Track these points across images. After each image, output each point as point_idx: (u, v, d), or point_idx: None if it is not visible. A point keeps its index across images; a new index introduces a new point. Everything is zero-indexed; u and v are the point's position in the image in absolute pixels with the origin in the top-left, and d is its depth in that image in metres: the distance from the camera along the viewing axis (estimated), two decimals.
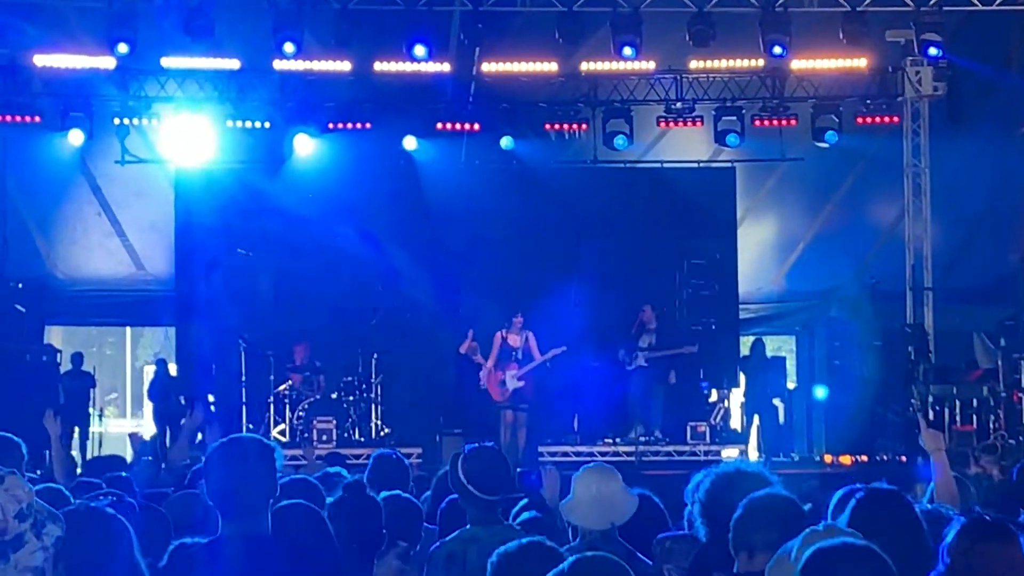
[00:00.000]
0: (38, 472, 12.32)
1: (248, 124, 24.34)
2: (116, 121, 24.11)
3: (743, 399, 24.43)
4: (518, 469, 6.77)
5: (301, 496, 6.38)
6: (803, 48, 23.70)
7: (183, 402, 22.94)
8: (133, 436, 13.11)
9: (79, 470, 12.83)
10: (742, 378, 24.61)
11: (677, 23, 23.13)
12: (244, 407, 23.18)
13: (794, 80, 24.67)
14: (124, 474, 9.43)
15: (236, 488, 5.67)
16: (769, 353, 25.94)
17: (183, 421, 12.45)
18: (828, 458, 22.78)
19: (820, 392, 23.87)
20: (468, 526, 7.19)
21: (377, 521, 6.81)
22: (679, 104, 24.67)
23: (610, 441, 22.75)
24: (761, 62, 24.05)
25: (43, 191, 25.46)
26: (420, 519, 7.49)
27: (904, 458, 22.04)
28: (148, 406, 24.11)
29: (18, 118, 23.68)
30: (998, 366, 23.02)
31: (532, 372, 22.08)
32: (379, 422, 23.00)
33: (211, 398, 22.26)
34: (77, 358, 24.33)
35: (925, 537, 5.66)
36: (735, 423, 24.22)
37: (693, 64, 24.34)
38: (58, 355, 24.14)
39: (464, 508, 7.28)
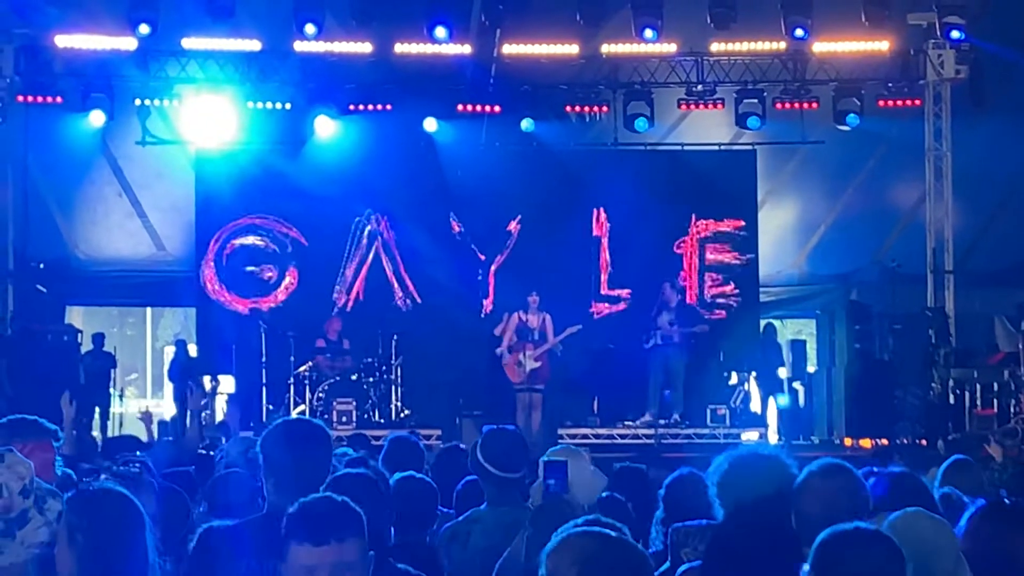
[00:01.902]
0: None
1: (269, 105, 24.38)
2: (137, 102, 24.19)
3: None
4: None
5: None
6: (825, 31, 23.67)
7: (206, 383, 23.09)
8: (146, 416, 13.18)
9: (99, 451, 12.85)
10: None
11: (698, 5, 23.11)
12: (264, 388, 23.23)
13: (815, 63, 24.62)
14: (139, 453, 9.44)
15: (294, 469, 5.71)
16: (790, 336, 25.91)
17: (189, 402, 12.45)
18: (848, 441, 22.76)
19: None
20: (483, 506, 7.22)
21: None
22: (700, 86, 24.64)
23: (630, 423, 22.73)
24: (783, 45, 24.02)
25: (64, 172, 25.51)
26: (436, 500, 7.51)
27: (924, 441, 22.02)
28: (168, 387, 24.15)
29: (40, 99, 23.78)
30: (1019, 349, 22.94)
31: (549, 352, 22.10)
32: (399, 404, 23.03)
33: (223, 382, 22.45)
34: (98, 338, 24.39)
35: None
36: (755, 406, 24.19)
37: (714, 46, 24.31)
38: (79, 335, 24.21)
39: (483, 488, 7.31)
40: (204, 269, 24.57)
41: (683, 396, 22.60)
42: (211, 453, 11.45)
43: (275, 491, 5.76)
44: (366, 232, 24.64)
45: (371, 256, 24.61)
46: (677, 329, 22.40)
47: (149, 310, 37.16)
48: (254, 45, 24.02)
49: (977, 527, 5.46)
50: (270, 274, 24.71)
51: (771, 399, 23.92)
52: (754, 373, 24.16)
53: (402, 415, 22.84)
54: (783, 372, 24.50)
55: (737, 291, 25.08)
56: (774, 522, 5.47)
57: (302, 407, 22.51)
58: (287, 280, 24.70)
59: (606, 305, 24.70)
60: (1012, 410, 22.19)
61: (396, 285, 24.56)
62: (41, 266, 24.88)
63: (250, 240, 24.71)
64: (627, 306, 24.48)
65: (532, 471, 7.32)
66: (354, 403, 22.20)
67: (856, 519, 5.29)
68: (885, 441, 22.25)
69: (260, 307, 24.37)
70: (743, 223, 25.18)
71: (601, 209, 24.88)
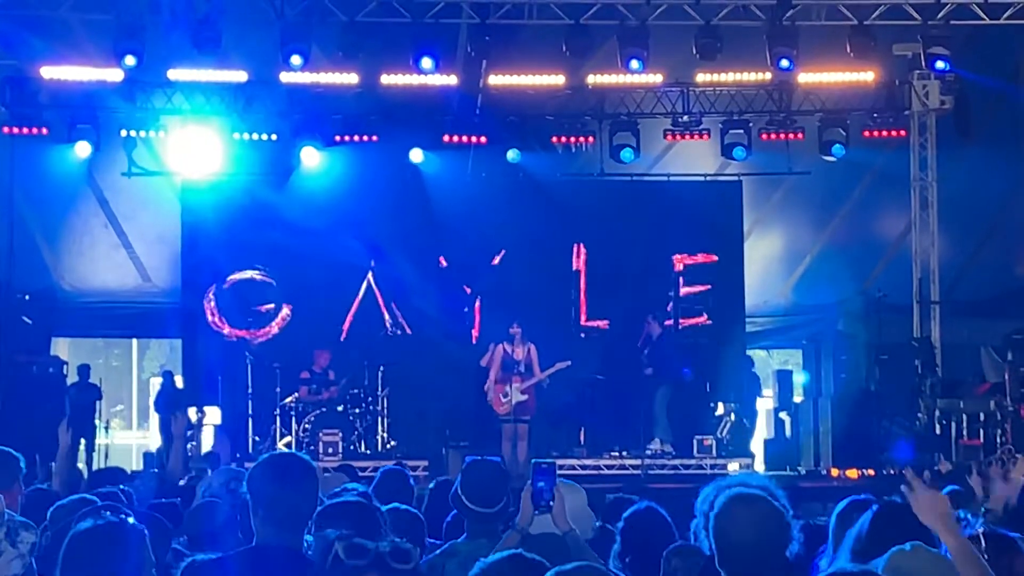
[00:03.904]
0: (47, 484, 12.29)
1: (255, 136, 24.36)
2: (123, 133, 24.15)
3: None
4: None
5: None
6: (810, 61, 23.69)
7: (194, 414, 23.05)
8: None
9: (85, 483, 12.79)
10: None
11: (684, 36, 23.13)
12: (250, 419, 23.17)
13: (801, 93, 24.66)
14: (123, 487, 9.40)
15: (282, 502, 5.70)
16: (776, 366, 25.88)
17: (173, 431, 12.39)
18: (835, 472, 22.73)
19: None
20: (461, 538, 7.22)
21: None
22: (686, 117, 24.67)
23: (616, 454, 22.71)
24: (768, 75, 24.03)
25: (50, 203, 25.47)
26: (423, 532, 7.49)
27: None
28: (154, 418, 24.07)
29: (25, 130, 23.72)
30: (1005, 380, 22.97)
31: (535, 384, 22.08)
32: (385, 435, 22.99)
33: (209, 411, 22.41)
34: (83, 370, 24.33)
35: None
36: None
37: (700, 77, 24.33)
38: (64, 367, 24.16)
39: (464, 520, 7.31)
40: (204, 303, 24.46)
41: (671, 426, 22.61)
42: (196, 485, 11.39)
43: (263, 526, 5.74)
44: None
45: (363, 287, 24.54)
46: (659, 357, 22.51)
47: (135, 341, 37.09)
48: (240, 76, 24.01)
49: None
50: (268, 306, 24.63)
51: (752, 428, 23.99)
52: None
53: (388, 446, 22.80)
54: (764, 402, 24.51)
55: (711, 322, 25.06)
56: (764, 554, 5.46)
57: (288, 438, 22.46)
58: (283, 312, 24.61)
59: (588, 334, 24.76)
60: (998, 440, 22.20)
61: (387, 315, 24.50)
62: (27, 297, 24.81)
63: (248, 275, 24.62)
64: (607, 335, 24.52)
65: (514, 502, 7.31)
66: (340, 434, 22.15)
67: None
68: (871, 472, 22.24)
69: (257, 338, 24.33)
70: (716, 258, 25.17)
71: (581, 244, 24.89)
